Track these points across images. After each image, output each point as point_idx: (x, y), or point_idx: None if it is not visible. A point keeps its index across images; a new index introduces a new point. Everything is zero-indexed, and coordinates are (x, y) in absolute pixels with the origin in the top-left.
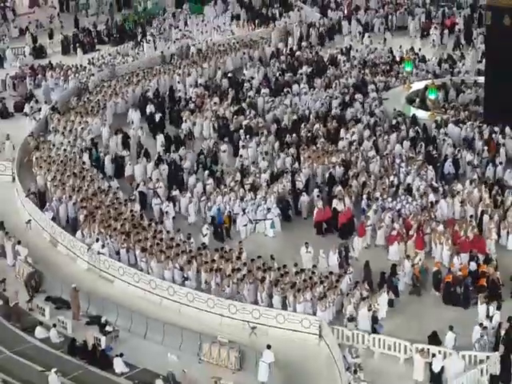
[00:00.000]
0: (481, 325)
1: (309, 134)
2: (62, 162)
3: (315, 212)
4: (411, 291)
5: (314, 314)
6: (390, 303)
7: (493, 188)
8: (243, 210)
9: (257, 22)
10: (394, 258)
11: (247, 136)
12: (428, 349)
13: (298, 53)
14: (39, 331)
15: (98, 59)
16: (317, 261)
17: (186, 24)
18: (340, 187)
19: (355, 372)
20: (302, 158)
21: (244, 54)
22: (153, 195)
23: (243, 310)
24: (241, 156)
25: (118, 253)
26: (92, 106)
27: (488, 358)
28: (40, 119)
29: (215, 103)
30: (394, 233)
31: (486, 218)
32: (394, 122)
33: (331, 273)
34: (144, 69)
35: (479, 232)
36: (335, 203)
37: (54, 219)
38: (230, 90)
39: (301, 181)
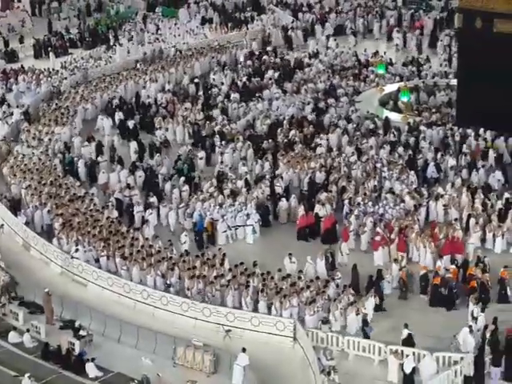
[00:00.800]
0: (470, 327)
1: (285, 140)
2: (37, 170)
3: (299, 218)
4: (399, 295)
5: (302, 319)
6: (378, 307)
7: (476, 192)
8: (222, 217)
9: (229, 25)
10: (379, 263)
11: (223, 142)
12: (402, 350)
13: (264, 57)
14: (12, 336)
15: (70, 63)
16: (304, 268)
17: (158, 28)
18: (325, 193)
19: (329, 374)
20: (280, 164)
21: (213, 58)
22: (135, 203)
23: (217, 313)
24: (221, 162)
25: (97, 260)
26: (62, 113)
27: (462, 359)
28: (12, 123)
29: (186, 109)
30: (378, 238)
31: (472, 221)
32: (371, 126)
33: (318, 278)
34: (110, 74)
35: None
36: (317, 209)
37: (27, 224)
38: (200, 95)
39: (280, 186)
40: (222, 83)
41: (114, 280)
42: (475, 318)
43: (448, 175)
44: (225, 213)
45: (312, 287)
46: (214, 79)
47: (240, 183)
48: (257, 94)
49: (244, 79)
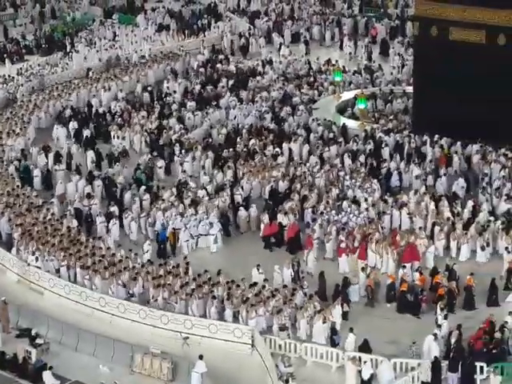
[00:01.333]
0: (435, 334)
1: (245, 149)
2: None
3: (262, 226)
4: (366, 303)
5: (269, 327)
6: (344, 315)
7: (440, 199)
8: (185, 226)
9: (186, 32)
10: (344, 271)
11: (182, 151)
12: (359, 357)
13: (218, 65)
14: None
15: (26, 69)
16: (271, 276)
17: (115, 34)
18: (292, 202)
19: (287, 381)
20: (240, 173)
21: (168, 65)
22: (97, 213)
23: (175, 321)
24: (184, 171)
25: (58, 270)
26: (15, 122)
27: (419, 365)
28: None
29: (143, 117)
30: (343, 245)
31: (436, 229)
32: (331, 135)
33: (285, 286)
34: (66, 81)
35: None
36: (280, 217)
37: None
38: (155, 103)
39: (240, 194)
40: (175, 91)
41: (70, 288)
42: (439, 326)
43: (411, 183)
44: (187, 222)
45: (278, 296)
46: (167, 87)
47: (201, 192)
48: (213, 103)
49: (197, 87)
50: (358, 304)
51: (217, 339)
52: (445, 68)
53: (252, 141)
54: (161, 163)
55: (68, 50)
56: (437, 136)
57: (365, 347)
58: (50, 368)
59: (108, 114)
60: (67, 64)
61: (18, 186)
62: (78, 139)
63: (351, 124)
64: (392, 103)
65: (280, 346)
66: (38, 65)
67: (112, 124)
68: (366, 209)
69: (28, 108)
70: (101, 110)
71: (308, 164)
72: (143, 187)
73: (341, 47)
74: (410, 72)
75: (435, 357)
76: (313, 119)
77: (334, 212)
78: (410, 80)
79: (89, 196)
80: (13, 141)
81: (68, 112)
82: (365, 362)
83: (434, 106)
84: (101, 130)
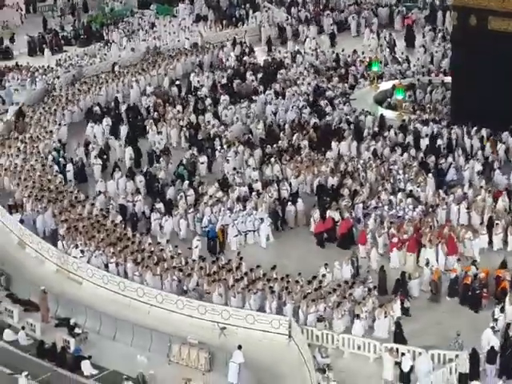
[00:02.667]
0: (492, 327)
1: (289, 145)
2: (39, 176)
3: (313, 223)
4: (431, 298)
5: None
6: (406, 312)
7: (501, 194)
8: (233, 222)
9: (224, 22)
10: (395, 265)
11: (224, 146)
12: (397, 348)
13: (245, 58)
14: (7, 334)
15: (65, 60)
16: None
17: (153, 25)
18: (344, 198)
19: (324, 372)
20: (287, 169)
21: (197, 57)
22: (152, 210)
23: (213, 311)
24: (234, 169)
25: (106, 266)
26: (49, 115)
27: (457, 356)
28: (7, 120)
29: (178, 111)
30: (395, 240)
31: (495, 223)
32: (376, 129)
33: (346, 282)
34: (91, 76)
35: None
36: (332, 213)
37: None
38: (189, 97)
39: (286, 189)
40: (202, 85)
41: (109, 278)
42: (496, 320)
43: (467, 177)
44: (235, 218)
45: (338, 291)
46: (198, 81)
47: (243, 189)
48: (249, 97)
49: (224, 81)
50: (419, 299)
51: (254, 329)
52: (483, 58)
53: (295, 136)
54: (203, 159)
55: (106, 40)
56: (475, 128)
57: (401, 338)
58: (89, 357)
59: (144, 109)
60: (105, 55)
61: (60, 182)
62: (115, 135)
63: (389, 115)
64: (431, 94)
65: (317, 336)
66: (77, 55)
67: (147, 118)
68: (421, 203)
69: (61, 102)
70: (131, 105)
71: (361, 160)
72: (186, 182)
73: (377, 36)
74: (439, 62)
75: (473, 348)
76: (354, 112)
77: (386, 207)
78: (440, 70)
79: (137, 191)
80: (49, 134)
81: (97, 109)
82: (403, 354)
83: (473, 96)
84: (137, 125)
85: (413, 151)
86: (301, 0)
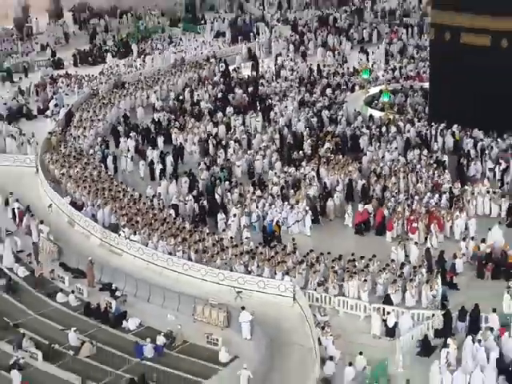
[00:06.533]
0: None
1: (315, 149)
2: (98, 176)
3: (348, 215)
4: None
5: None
6: (454, 285)
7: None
8: (280, 215)
9: (239, 38)
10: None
11: (256, 151)
12: (383, 308)
13: (233, 74)
14: (60, 296)
15: (107, 69)
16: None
17: (180, 40)
18: (379, 194)
19: (323, 328)
20: (321, 169)
21: (195, 73)
22: (219, 211)
23: (230, 278)
24: (280, 172)
25: (170, 254)
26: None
27: (433, 315)
28: (59, 120)
29: (196, 121)
30: (415, 224)
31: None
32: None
33: (403, 264)
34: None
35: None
36: (367, 206)
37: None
38: (202, 109)
39: (316, 186)
40: (201, 99)
41: (144, 250)
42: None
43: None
44: (280, 211)
45: (387, 269)
46: (198, 95)
47: (275, 188)
48: (268, 105)
49: (219, 94)
50: (463, 274)
51: (264, 293)
52: (456, 67)
53: (325, 144)
54: (239, 163)
55: (141, 53)
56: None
57: (388, 300)
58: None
59: (166, 120)
60: (140, 65)
61: (116, 186)
62: (152, 146)
63: (377, 114)
64: (412, 97)
65: (317, 298)
66: (117, 66)
67: (172, 127)
68: (443, 193)
69: (103, 105)
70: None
71: (385, 160)
72: (227, 182)
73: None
74: (415, 70)
75: (447, 309)
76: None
77: (417, 197)
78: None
79: (190, 192)
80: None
81: (120, 126)
82: (388, 313)
83: (448, 99)
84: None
85: (425, 151)
86: (303, 21)
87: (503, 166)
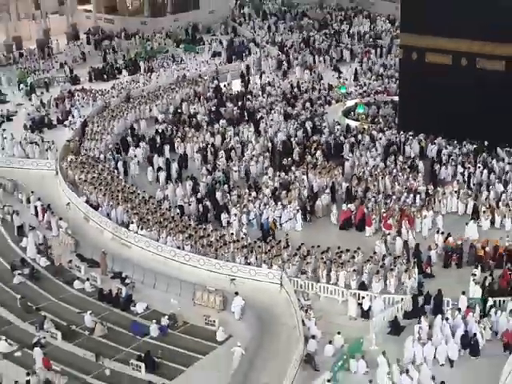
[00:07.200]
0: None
1: (302, 156)
2: (112, 179)
3: (334, 214)
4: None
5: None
6: (429, 275)
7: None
8: (275, 213)
9: (233, 57)
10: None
11: (249, 158)
12: (359, 293)
13: (223, 89)
14: (77, 283)
15: (118, 85)
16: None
17: (182, 59)
18: (361, 194)
19: (306, 311)
20: (309, 174)
21: (191, 89)
22: (223, 211)
23: (225, 267)
24: (273, 176)
25: (178, 248)
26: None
27: (402, 299)
28: (76, 129)
29: (196, 132)
30: (390, 221)
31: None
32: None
33: (384, 256)
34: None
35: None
36: (350, 206)
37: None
38: (201, 122)
39: (305, 188)
40: (197, 112)
41: (150, 242)
42: (474, 274)
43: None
44: (274, 210)
45: (371, 261)
46: (194, 108)
47: (268, 190)
48: (259, 118)
49: (213, 108)
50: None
51: (255, 280)
52: (422, 82)
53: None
54: (236, 168)
55: (147, 70)
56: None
57: (363, 286)
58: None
59: (169, 130)
60: (147, 81)
61: (128, 188)
62: (158, 154)
63: (353, 124)
64: (383, 108)
65: (301, 285)
66: (126, 81)
67: (175, 136)
68: (417, 194)
69: (113, 116)
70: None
71: (371, 167)
72: (226, 186)
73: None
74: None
75: (413, 293)
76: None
77: (394, 197)
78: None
79: (193, 194)
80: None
81: (130, 138)
82: (363, 298)
83: (414, 111)
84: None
85: (401, 158)
86: (289, 43)
87: (471, 170)
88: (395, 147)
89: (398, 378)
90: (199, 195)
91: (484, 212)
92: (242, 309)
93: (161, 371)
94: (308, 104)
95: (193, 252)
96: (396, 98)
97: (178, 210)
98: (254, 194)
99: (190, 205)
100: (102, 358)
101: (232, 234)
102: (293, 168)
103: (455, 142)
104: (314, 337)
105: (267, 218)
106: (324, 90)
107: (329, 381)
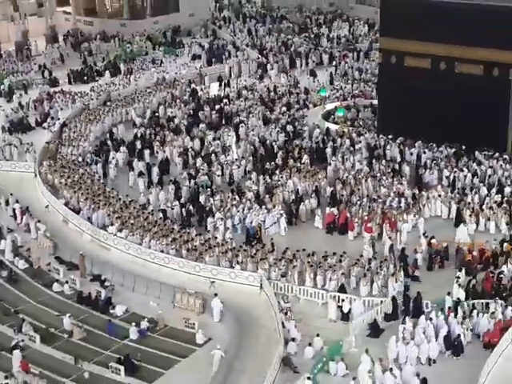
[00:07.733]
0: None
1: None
2: (91, 183)
3: (318, 218)
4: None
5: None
6: (416, 278)
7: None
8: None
9: (213, 60)
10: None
11: (230, 163)
12: (339, 296)
13: (200, 93)
14: (56, 286)
15: (97, 87)
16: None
17: (161, 62)
18: (345, 198)
19: (286, 313)
20: (294, 178)
21: (168, 93)
22: (208, 215)
23: (205, 269)
24: (256, 180)
25: (162, 251)
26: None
27: (382, 302)
28: (55, 131)
29: (175, 135)
30: (369, 224)
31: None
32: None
33: (370, 259)
34: (124, 96)
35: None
36: (333, 210)
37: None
38: (178, 125)
39: (288, 192)
40: (175, 116)
41: (129, 245)
42: (458, 277)
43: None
44: (258, 214)
45: (358, 264)
46: (171, 112)
47: (250, 193)
48: (239, 123)
49: (191, 111)
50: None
51: (235, 283)
52: (401, 86)
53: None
54: (218, 172)
55: (127, 72)
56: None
57: (342, 290)
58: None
59: (149, 135)
60: (126, 83)
61: (109, 192)
62: (138, 159)
63: (332, 127)
64: (362, 112)
65: (281, 288)
66: (106, 84)
67: (154, 140)
68: (402, 197)
69: (92, 118)
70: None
71: (357, 170)
72: (209, 189)
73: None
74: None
75: (393, 296)
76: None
77: (380, 201)
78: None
79: (176, 198)
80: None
81: (109, 143)
82: (343, 300)
83: (393, 114)
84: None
85: (384, 162)
86: (269, 46)
87: (457, 174)
88: (380, 151)
89: (380, 376)
90: (182, 200)
91: (470, 216)
92: (222, 311)
93: (140, 374)
94: (285, 108)
95: (177, 256)
96: (375, 102)
97: (161, 214)
98: (237, 198)
99: (172, 209)
100: (81, 360)
101: (216, 237)
102: (277, 172)
103: (433, 145)
104: (293, 339)
105: (251, 222)
106: (302, 94)
107: (309, 378)
